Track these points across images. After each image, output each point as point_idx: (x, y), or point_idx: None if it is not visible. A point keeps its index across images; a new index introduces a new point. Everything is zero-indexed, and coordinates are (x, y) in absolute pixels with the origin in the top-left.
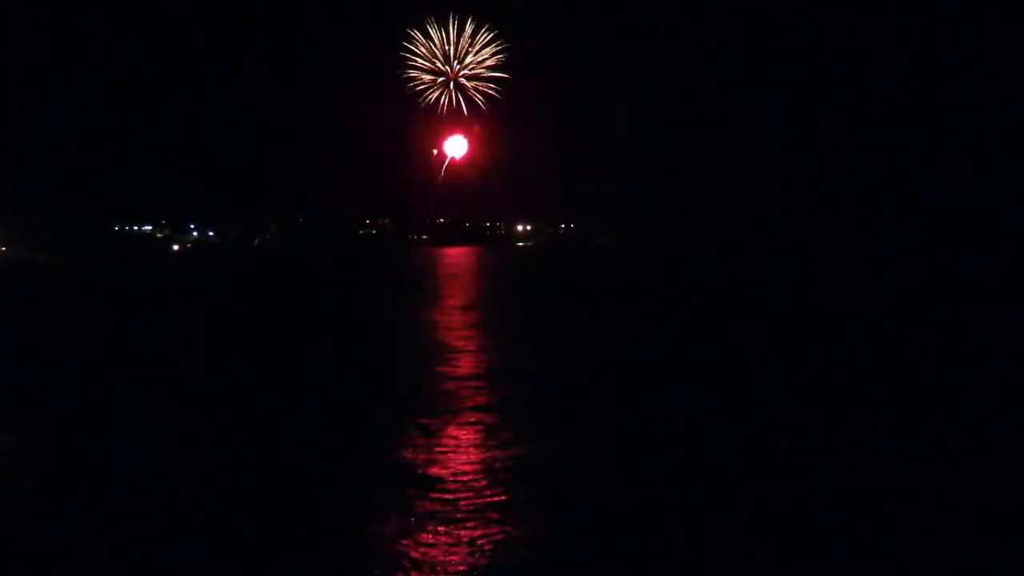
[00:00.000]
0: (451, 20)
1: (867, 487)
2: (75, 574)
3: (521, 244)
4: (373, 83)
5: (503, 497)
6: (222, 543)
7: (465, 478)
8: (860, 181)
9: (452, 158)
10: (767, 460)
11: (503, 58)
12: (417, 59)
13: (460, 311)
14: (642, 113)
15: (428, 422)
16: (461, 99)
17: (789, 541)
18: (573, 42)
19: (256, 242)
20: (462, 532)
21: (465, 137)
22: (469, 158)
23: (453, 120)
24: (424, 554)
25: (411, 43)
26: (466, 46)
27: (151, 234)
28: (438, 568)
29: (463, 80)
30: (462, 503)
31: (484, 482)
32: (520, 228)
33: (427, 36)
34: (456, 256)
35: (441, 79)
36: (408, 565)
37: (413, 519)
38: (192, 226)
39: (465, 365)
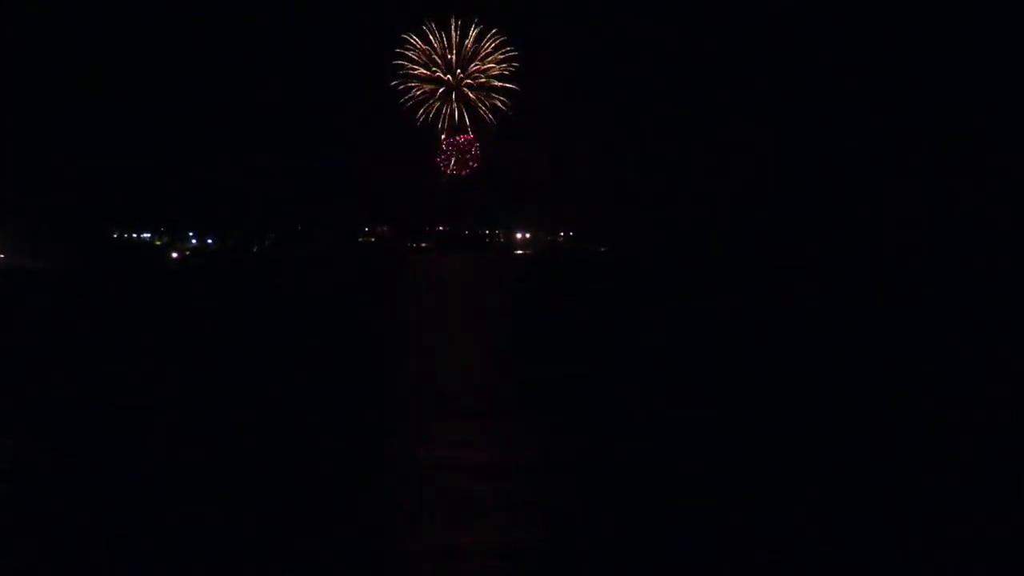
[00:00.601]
0: (452, 25)
1: None
2: None
3: (520, 252)
4: (374, 86)
5: None
6: None
7: None
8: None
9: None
10: None
11: (508, 67)
12: (416, 67)
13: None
14: (642, 117)
15: None
16: (464, 112)
17: None
18: (573, 45)
19: (255, 249)
20: None
21: (467, 150)
22: (470, 169)
23: (455, 131)
24: None
25: (408, 49)
26: (468, 53)
27: (150, 241)
28: None
29: (466, 90)
30: None
31: None
32: (519, 236)
33: (426, 42)
34: (454, 264)
35: (442, 89)
36: None
37: None
38: (191, 233)
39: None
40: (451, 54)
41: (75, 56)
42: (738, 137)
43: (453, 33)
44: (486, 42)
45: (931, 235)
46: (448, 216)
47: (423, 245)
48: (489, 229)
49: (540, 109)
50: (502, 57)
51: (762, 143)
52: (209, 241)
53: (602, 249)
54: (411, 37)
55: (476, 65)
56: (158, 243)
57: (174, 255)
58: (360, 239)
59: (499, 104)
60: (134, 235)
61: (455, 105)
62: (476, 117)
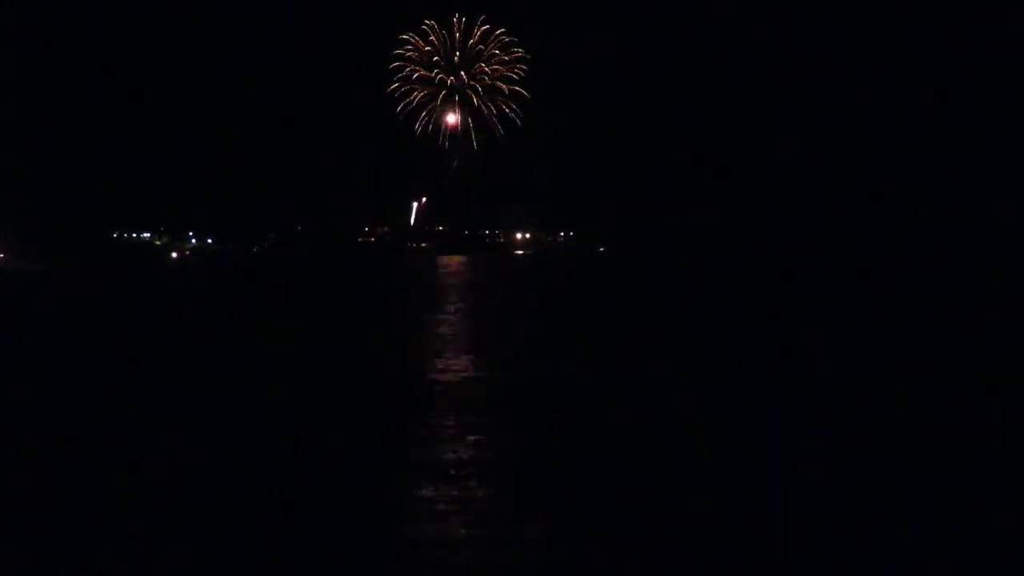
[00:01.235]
0: (455, 23)
1: None
2: None
3: (520, 252)
4: (374, 86)
5: None
6: None
7: None
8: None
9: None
10: None
11: (517, 69)
12: (418, 68)
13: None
14: (642, 117)
15: None
16: (469, 118)
17: None
18: (573, 46)
19: (255, 249)
20: None
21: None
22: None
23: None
24: None
25: (408, 49)
26: (472, 53)
27: (150, 241)
28: None
29: (470, 92)
30: None
31: None
32: (519, 236)
33: (427, 42)
34: (453, 264)
35: (444, 92)
36: None
37: None
38: (191, 233)
39: None
40: (456, 53)
41: (76, 55)
42: (738, 138)
43: (456, 33)
44: (491, 42)
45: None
46: (448, 216)
47: (423, 245)
48: (489, 229)
49: (539, 110)
50: (508, 58)
51: (761, 144)
52: (209, 241)
53: (601, 249)
54: (412, 37)
55: (480, 66)
56: (158, 243)
57: (174, 255)
58: (360, 239)
59: (507, 109)
60: (134, 235)
61: (458, 110)
62: (480, 122)
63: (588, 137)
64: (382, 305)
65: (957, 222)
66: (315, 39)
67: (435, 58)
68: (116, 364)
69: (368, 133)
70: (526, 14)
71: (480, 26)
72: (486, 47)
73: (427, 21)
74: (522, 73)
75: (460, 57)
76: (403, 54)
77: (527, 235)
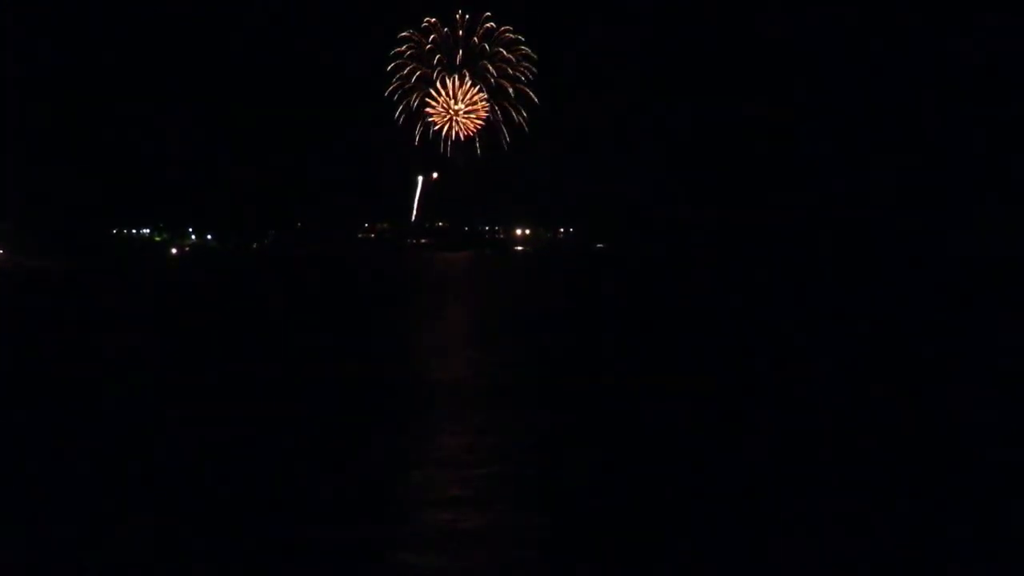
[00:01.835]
0: (458, 20)
1: None
2: None
3: (520, 248)
4: (372, 86)
5: None
6: None
7: None
8: None
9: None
10: None
11: (525, 71)
12: (421, 67)
13: None
14: (641, 118)
15: None
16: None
17: None
18: (573, 48)
19: (255, 246)
20: None
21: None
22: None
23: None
24: None
25: (411, 47)
26: (476, 51)
27: (149, 237)
28: None
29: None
30: None
31: None
32: (519, 232)
33: (427, 38)
34: (452, 262)
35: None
36: None
37: None
38: (190, 229)
39: None
40: (458, 52)
41: (76, 55)
42: (737, 139)
43: (459, 31)
44: (496, 39)
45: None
46: (448, 212)
47: (423, 241)
48: (489, 226)
49: (540, 110)
50: (513, 57)
51: (759, 145)
52: (209, 237)
53: (599, 246)
54: (412, 33)
55: (484, 63)
56: (158, 239)
57: (173, 251)
58: (360, 235)
59: (513, 112)
60: (134, 231)
61: (460, 121)
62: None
63: (588, 138)
64: (379, 304)
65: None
66: (315, 35)
67: (437, 56)
68: (116, 361)
69: (368, 132)
70: (527, 12)
71: (483, 23)
72: (490, 46)
73: (428, 20)
74: (529, 75)
75: (463, 56)
76: (403, 52)
77: (527, 231)
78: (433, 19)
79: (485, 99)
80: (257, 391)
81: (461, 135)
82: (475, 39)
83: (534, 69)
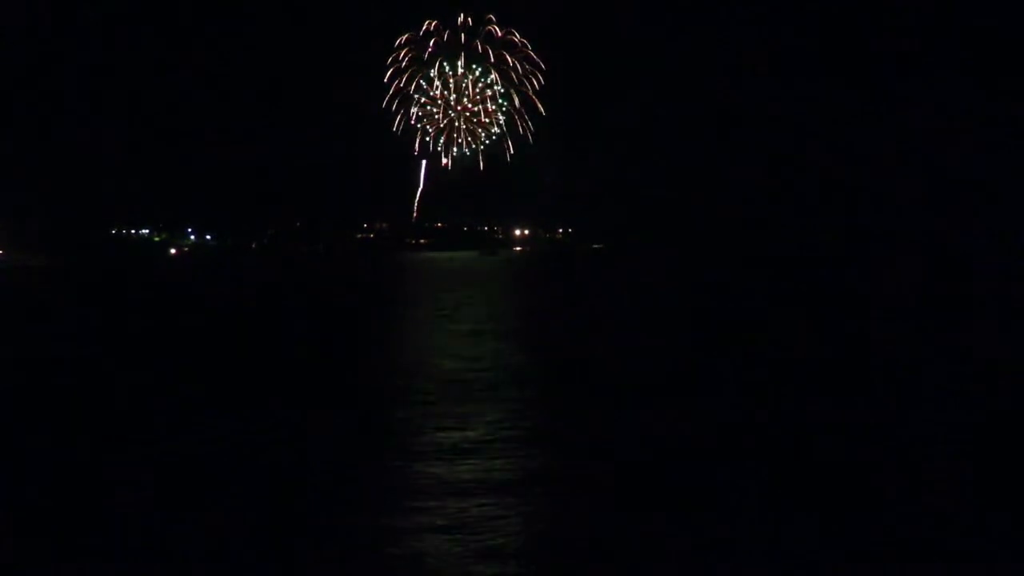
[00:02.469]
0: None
1: None
2: None
3: (519, 249)
4: (372, 87)
5: None
6: None
7: None
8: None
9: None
10: None
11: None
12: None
13: None
14: (641, 118)
15: None
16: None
17: None
18: (573, 49)
19: (253, 246)
20: None
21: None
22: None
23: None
24: None
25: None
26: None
27: (148, 238)
28: None
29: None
30: None
31: None
32: (518, 233)
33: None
34: (454, 261)
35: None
36: None
37: None
38: (190, 230)
39: None
40: (460, 56)
41: (77, 54)
42: (735, 140)
43: (461, 35)
44: (499, 39)
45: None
46: (447, 212)
47: (422, 241)
48: (488, 226)
49: (541, 112)
50: (519, 67)
51: (759, 145)
52: (208, 237)
53: (595, 246)
54: (413, 35)
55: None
56: (156, 239)
57: (172, 251)
58: (359, 235)
59: (518, 122)
60: (132, 231)
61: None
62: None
63: (588, 138)
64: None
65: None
66: (315, 36)
67: (437, 65)
68: (116, 359)
69: (369, 132)
70: (527, 14)
71: (487, 25)
72: (493, 51)
73: (430, 23)
74: (536, 83)
75: (465, 61)
76: (401, 56)
77: (526, 232)
78: (435, 22)
79: (497, 93)
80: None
81: (464, 144)
82: (478, 43)
83: (541, 79)
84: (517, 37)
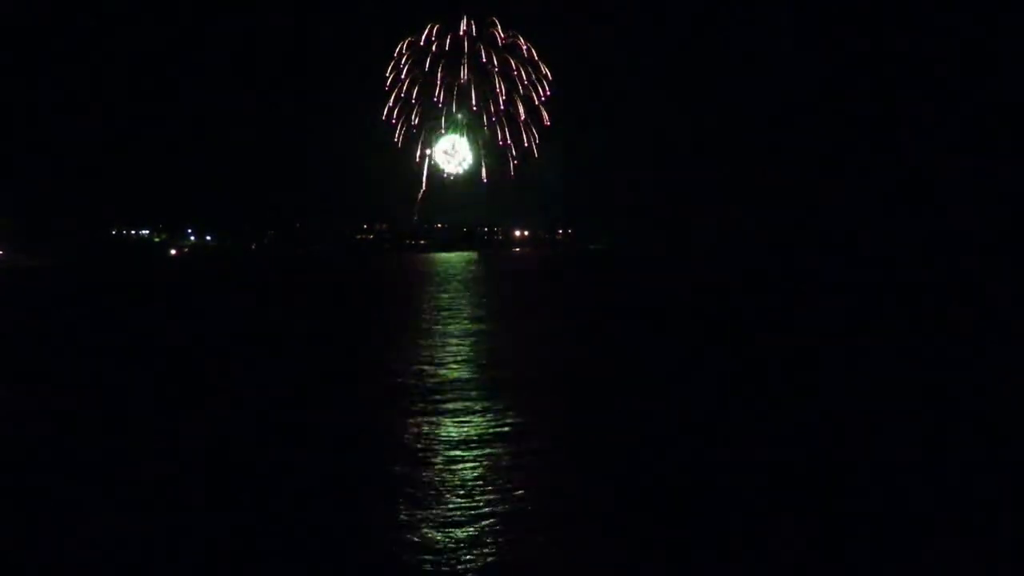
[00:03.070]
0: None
1: None
2: None
3: (519, 249)
4: (373, 89)
5: None
6: None
7: None
8: None
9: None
10: None
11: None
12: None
13: None
14: (641, 119)
15: None
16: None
17: None
18: (573, 50)
19: (253, 247)
20: None
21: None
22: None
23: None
24: None
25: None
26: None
27: (148, 238)
28: None
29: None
30: None
31: None
32: (518, 233)
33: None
34: (454, 261)
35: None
36: None
37: None
38: (190, 230)
39: None
40: (463, 62)
41: (78, 54)
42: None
43: (462, 36)
44: (504, 43)
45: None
46: (447, 213)
47: (421, 242)
48: (488, 227)
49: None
50: (525, 76)
51: (757, 147)
52: (208, 238)
53: (592, 247)
54: (413, 39)
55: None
56: (157, 240)
57: (172, 252)
58: (359, 236)
59: (523, 133)
60: (132, 232)
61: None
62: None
63: (588, 140)
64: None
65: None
66: (316, 38)
67: (438, 68)
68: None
69: (370, 133)
70: (526, 14)
71: (490, 28)
72: (498, 59)
73: (432, 26)
74: (541, 90)
75: (467, 70)
76: (403, 62)
77: (525, 233)
78: (436, 26)
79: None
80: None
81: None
82: (481, 48)
83: (547, 88)
84: (522, 41)
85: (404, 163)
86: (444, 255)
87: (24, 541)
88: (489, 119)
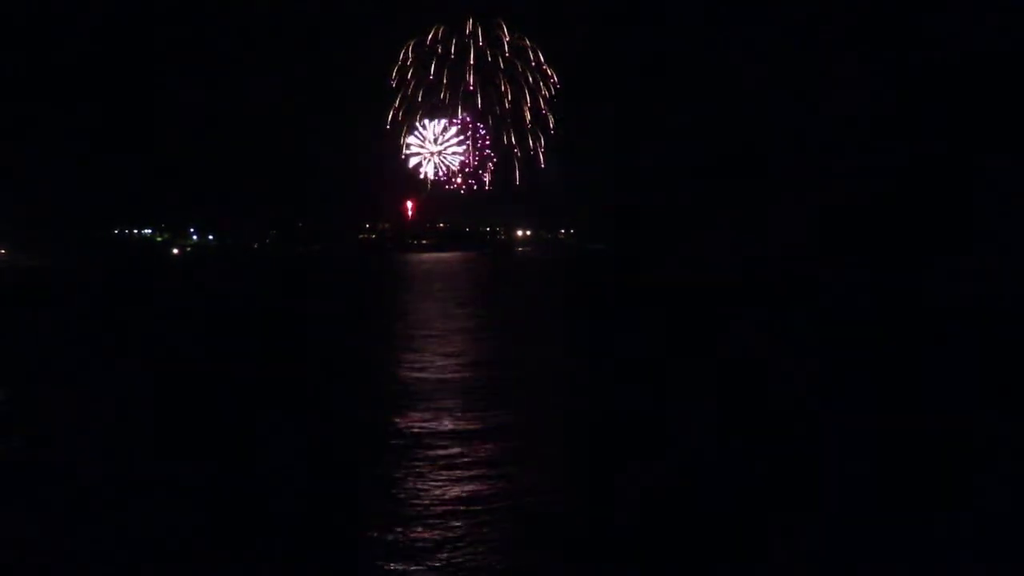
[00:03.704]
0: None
1: None
2: None
3: (521, 249)
4: (378, 90)
5: None
6: None
7: None
8: None
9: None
10: None
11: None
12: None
13: None
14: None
15: None
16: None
17: None
18: (574, 51)
19: (255, 246)
20: None
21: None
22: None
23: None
24: None
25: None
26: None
27: (151, 238)
28: None
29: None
30: None
31: None
32: (520, 233)
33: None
34: (454, 261)
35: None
36: None
37: None
38: (192, 230)
39: None
40: (469, 68)
41: (79, 54)
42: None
43: (467, 39)
44: (508, 46)
45: None
46: (449, 213)
47: (424, 242)
48: (490, 226)
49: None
50: (531, 81)
51: (756, 147)
52: (210, 238)
53: (589, 247)
54: (415, 49)
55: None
56: (159, 239)
57: (175, 251)
58: (361, 236)
59: (530, 142)
60: (135, 231)
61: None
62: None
63: (588, 141)
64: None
65: None
66: (318, 39)
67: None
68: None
69: (372, 134)
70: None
71: (495, 30)
72: (504, 61)
73: (437, 28)
74: (547, 94)
75: (473, 72)
76: (408, 63)
77: (527, 233)
78: (442, 28)
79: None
80: None
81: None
82: (486, 49)
83: (553, 91)
84: (527, 42)
85: (407, 163)
86: (445, 255)
87: (24, 541)
88: (494, 120)
